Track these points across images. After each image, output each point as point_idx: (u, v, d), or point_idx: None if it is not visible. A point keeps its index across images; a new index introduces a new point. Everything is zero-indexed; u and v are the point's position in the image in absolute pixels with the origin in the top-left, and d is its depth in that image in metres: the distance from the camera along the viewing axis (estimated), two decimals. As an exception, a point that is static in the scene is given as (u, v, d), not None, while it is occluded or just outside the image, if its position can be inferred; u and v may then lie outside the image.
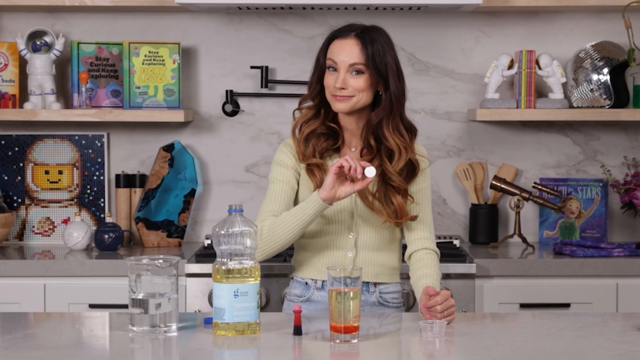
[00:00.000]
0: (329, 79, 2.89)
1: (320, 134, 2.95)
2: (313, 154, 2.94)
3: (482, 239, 4.21)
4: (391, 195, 2.91)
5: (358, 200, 2.94)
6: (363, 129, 2.94)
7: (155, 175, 4.15)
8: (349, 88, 2.86)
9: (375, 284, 3.00)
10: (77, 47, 4.17)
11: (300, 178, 2.98)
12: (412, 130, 2.96)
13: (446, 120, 4.29)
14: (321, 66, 2.93)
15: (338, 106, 2.89)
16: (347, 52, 2.86)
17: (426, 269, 2.91)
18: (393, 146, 2.90)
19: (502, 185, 4.16)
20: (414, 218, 2.95)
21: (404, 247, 3.02)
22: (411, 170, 2.95)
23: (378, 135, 2.91)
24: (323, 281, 2.97)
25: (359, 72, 2.86)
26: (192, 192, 4.21)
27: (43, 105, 4.11)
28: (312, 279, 3.00)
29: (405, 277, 3.06)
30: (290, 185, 2.96)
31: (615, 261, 3.80)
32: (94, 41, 4.21)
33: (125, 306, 2.76)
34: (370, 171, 2.75)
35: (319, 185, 2.89)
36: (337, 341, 2.51)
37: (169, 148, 4.17)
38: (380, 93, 2.91)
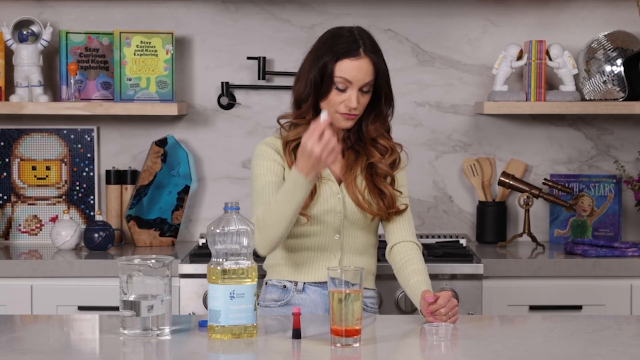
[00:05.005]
0: (338, 98, 2.94)
1: None
2: None
3: (490, 238, 4.21)
4: (381, 184, 2.99)
5: (347, 199, 3.00)
6: (349, 133, 3.02)
7: (148, 171, 4.14)
8: (358, 107, 2.96)
9: None
10: (65, 37, 4.16)
11: (285, 172, 2.99)
12: (388, 127, 3.08)
13: (452, 113, 4.29)
14: (321, 82, 2.93)
15: (346, 124, 2.97)
16: (363, 72, 2.93)
17: (414, 265, 2.97)
18: (384, 147, 3.02)
19: (511, 182, 4.16)
20: (402, 210, 3.02)
21: (379, 250, 3.13)
22: (392, 162, 3.06)
23: (360, 137, 3.03)
24: (304, 283, 3.00)
25: (366, 91, 2.95)
26: (186, 189, 4.20)
27: (30, 98, 4.12)
28: (292, 281, 3.02)
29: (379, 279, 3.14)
30: (278, 177, 2.96)
31: (629, 261, 3.79)
32: (83, 31, 4.19)
33: (116, 308, 2.75)
34: (323, 115, 2.74)
35: (313, 192, 2.96)
36: (338, 345, 2.51)
37: (161, 143, 4.16)
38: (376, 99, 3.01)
